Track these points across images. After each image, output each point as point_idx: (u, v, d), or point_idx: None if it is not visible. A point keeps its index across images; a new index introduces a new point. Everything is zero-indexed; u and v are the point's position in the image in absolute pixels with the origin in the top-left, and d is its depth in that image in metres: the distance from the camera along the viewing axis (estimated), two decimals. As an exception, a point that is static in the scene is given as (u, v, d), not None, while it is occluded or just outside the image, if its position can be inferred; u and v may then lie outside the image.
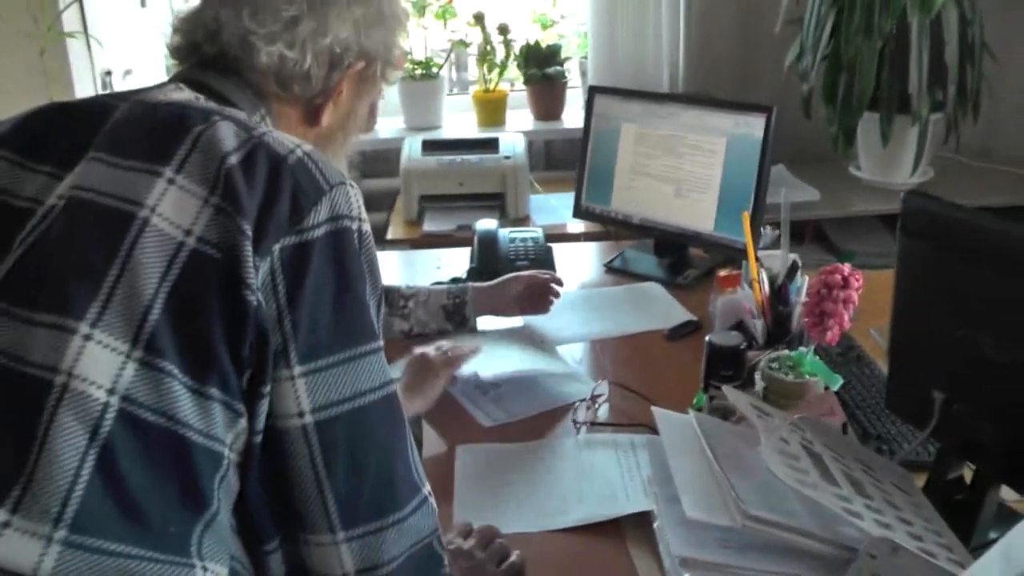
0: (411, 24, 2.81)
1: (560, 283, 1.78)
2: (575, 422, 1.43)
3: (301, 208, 0.86)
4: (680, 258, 2.03)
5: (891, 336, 1.24)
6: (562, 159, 2.95)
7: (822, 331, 1.36)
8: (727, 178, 1.91)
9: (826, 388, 1.35)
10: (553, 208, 2.57)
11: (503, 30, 2.91)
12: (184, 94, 0.96)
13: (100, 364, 0.78)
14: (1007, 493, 1.12)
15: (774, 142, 1.87)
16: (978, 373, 1.08)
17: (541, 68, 2.94)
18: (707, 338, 1.40)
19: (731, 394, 1.15)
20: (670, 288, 1.94)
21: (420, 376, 1.47)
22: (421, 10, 2.91)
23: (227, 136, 0.88)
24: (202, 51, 1.01)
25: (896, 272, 1.20)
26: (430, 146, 2.59)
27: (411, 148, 2.58)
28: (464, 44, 2.98)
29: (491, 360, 1.56)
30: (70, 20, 2.22)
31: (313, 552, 0.87)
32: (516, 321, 1.79)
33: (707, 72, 2.81)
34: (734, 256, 1.86)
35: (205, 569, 0.81)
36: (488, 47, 2.92)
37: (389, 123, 2.96)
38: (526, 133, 2.80)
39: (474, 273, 1.93)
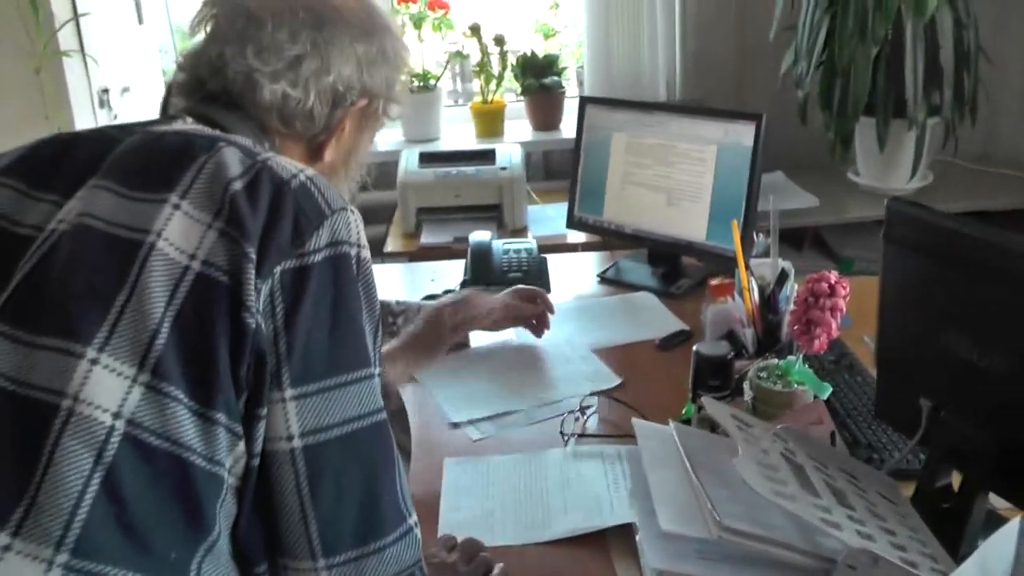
0: (411, 38, 2.86)
1: (551, 311, 1.77)
2: (563, 434, 1.43)
3: (303, 232, 0.86)
4: (674, 268, 2.02)
5: (878, 343, 1.23)
6: (561, 169, 2.95)
7: (810, 340, 1.35)
8: (718, 187, 1.90)
9: (815, 397, 1.34)
10: (551, 218, 2.57)
11: (499, 41, 2.92)
12: (190, 126, 0.98)
13: (106, 388, 0.78)
14: (1000, 501, 1.11)
15: (772, 149, 1.87)
16: (963, 380, 1.07)
17: (538, 78, 2.94)
18: (694, 348, 1.39)
19: (710, 405, 1.14)
20: (664, 298, 1.93)
21: (430, 330, 1.55)
22: (418, 23, 2.92)
23: (232, 162, 0.89)
24: (207, 87, 1.02)
25: (881, 279, 1.20)
26: (427, 158, 2.60)
27: (408, 161, 2.59)
28: (461, 56, 2.99)
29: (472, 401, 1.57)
30: (66, 38, 2.23)
31: None
32: (508, 334, 1.79)
33: (704, 80, 2.82)
34: (727, 265, 1.85)
35: None
36: (485, 58, 2.93)
37: (388, 136, 2.97)
38: (525, 144, 2.80)
39: (467, 285, 1.93)
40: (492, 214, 2.53)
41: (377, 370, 0.91)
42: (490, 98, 2.98)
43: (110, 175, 0.89)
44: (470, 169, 2.53)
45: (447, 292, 1.90)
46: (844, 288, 1.35)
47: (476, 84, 3.00)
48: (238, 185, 0.87)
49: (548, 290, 1.98)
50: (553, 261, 2.07)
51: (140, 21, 2.66)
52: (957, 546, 1.07)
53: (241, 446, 0.83)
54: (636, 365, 1.67)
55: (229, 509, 0.85)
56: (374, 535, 0.88)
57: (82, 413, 0.77)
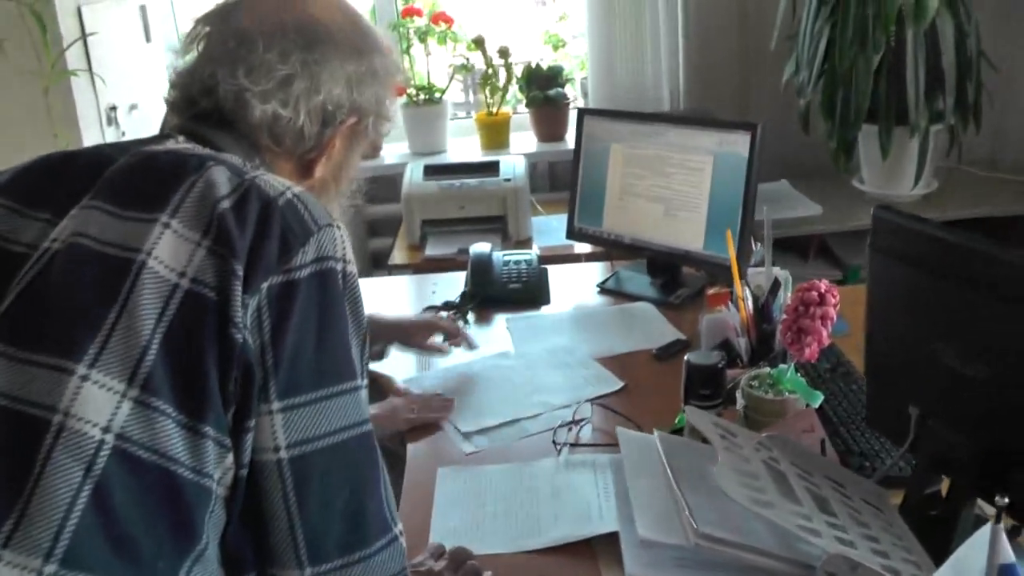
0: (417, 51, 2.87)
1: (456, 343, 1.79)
2: (555, 443, 1.44)
3: (290, 248, 0.88)
4: (673, 277, 2.03)
5: (867, 352, 1.23)
6: (566, 180, 2.95)
7: (800, 348, 1.35)
8: (715, 196, 1.90)
9: (807, 405, 1.35)
10: (555, 229, 2.57)
11: (503, 53, 2.93)
12: (181, 145, 0.99)
13: (96, 403, 0.80)
14: (988, 508, 1.11)
15: (776, 157, 1.87)
16: (949, 387, 1.07)
17: (543, 90, 2.96)
18: (686, 357, 1.40)
19: (692, 414, 1.15)
20: (662, 307, 1.93)
21: (386, 417, 1.53)
22: (423, 36, 2.94)
23: (221, 181, 0.90)
24: (199, 105, 1.03)
25: (868, 287, 1.20)
26: (431, 171, 2.61)
27: (413, 173, 2.61)
28: (466, 68, 3.00)
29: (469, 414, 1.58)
30: (74, 57, 2.26)
31: None
32: (505, 344, 1.80)
33: (707, 90, 2.82)
34: (725, 274, 1.85)
35: None
36: (490, 70, 2.95)
37: (394, 148, 2.99)
38: (530, 155, 2.81)
39: (467, 296, 1.95)
40: (496, 225, 2.54)
41: (364, 382, 0.92)
42: (495, 110, 3.00)
43: (102, 194, 0.91)
44: (474, 181, 2.54)
45: (447, 304, 1.92)
46: (835, 297, 1.35)
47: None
48: (226, 204, 0.88)
49: (547, 301, 1.99)
50: (554, 272, 2.09)
51: (148, 39, 2.69)
52: (945, 552, 1.06)
53: (229, 458, 0.85)
54: (633, 375, 1.67)
55: (218, 519, 0.86)
56: (360, 544, 0.90)
57: (72, 428, 0.79)
